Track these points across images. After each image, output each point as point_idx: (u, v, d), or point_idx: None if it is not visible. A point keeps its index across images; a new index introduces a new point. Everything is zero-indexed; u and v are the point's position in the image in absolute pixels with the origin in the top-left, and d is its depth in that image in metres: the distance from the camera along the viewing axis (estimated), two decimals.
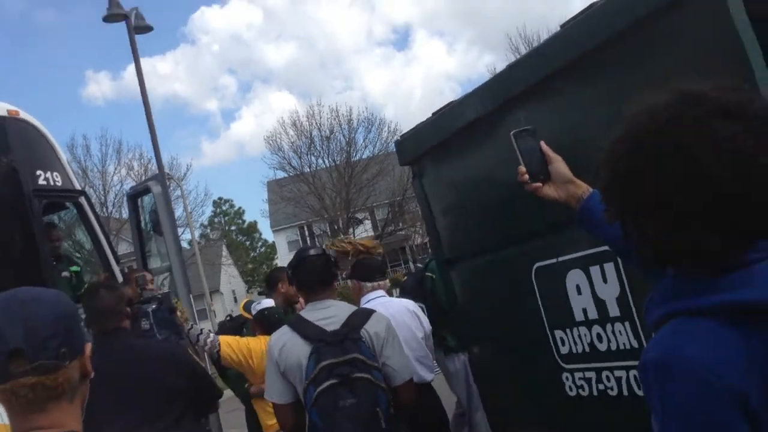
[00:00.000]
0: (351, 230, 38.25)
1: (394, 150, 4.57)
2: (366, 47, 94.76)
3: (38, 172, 5.43)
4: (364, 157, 38.40)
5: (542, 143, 2.05)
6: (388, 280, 5.10)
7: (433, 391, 4.85)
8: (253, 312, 5.05)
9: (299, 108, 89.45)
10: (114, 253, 6.08)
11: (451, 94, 76.80)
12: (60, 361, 1.39)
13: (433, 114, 3.89)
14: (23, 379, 1.36)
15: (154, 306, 4.01)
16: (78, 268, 6.43)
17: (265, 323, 4.87)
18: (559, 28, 3.00)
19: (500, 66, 31.11)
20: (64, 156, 6.03)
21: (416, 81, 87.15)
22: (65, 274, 6.03)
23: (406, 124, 47.20)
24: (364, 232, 41.99)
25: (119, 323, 3.39)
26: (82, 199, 5.97)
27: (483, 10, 70.82)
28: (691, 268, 1.27)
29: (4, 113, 5.35)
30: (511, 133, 2.04)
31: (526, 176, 2.02)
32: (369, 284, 4.82)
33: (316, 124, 37.84)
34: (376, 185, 38.31)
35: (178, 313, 4.53)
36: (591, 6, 2.77)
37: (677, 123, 1.22)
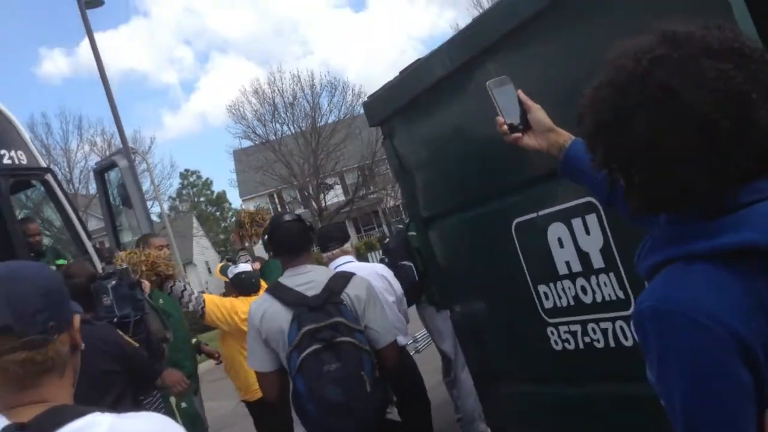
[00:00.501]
0: (322, 196, 38.07)
1: (361, 113, 4.52)
2: (324, 10, 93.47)
3: (2, 152, 5.34)
4: (330, 121, 38.05)
5: (520, 92, 1.99)
6: (349, 245, 4.92)
7: (408, 353, 4.85)
8: (230, 275, 5.14)
9: (260, 76, 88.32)
10: (85, 229, 5.98)
11: (413, 52, 76.33)
12: (48, 335, 1.37)
13: (401, 72, 3.79)
14: (12, 356, 1.34)
15: (114, 282, 3.92)
16: (64, 261, 6.28)
17: (240, 286, 5.04)
18: None
19: (462, 22, 30.98)
20: (26, 134, 5.89)
21: (377, 42, 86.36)
22: (52, 267, 5.90)
23: (370, 86, 46.93)
24: (335, 197, 41.86)
25: None
26: (49, 176, 5.85)
27: None
28: (682, 213, 1.24)
29: None
30: (488, 83, 1.97)
31: (505, 127, 1.96)
32: (325, 255, 4.75)
33: (279, 90, 37.37)
34: (344, 149, 37.99)
35: (165, 266, 4.55)
36: None
37: (662, 64, 1.19)
